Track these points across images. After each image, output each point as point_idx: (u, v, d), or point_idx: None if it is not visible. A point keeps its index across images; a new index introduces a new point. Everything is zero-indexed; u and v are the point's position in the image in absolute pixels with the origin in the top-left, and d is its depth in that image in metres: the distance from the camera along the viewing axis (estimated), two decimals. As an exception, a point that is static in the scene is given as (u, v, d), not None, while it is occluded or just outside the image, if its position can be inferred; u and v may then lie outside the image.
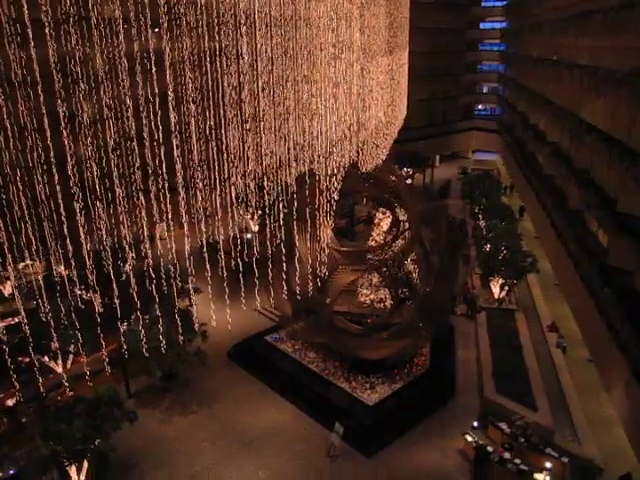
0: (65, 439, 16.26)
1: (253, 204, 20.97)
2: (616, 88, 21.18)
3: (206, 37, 18.84)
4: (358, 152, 25.39)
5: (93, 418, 16.95)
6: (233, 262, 18.63)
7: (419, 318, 21.96)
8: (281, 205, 18.50)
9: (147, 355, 17.60)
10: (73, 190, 16.62)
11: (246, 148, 21.36)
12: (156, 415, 21.90)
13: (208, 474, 18.89)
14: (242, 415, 21.88)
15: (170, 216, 18.63)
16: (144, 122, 17.90)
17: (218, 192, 19.75)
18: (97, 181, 17.81)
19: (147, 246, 18.37)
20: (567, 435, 19.91)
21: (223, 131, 20.92)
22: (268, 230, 17.87)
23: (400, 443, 20.20)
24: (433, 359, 24.13)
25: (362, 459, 19.49)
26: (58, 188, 16.16)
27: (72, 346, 21.37)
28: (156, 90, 17.62)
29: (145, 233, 18.47)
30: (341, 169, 19.44)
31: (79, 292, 21.53)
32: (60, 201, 16.16)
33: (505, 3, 60.71)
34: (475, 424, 20.20)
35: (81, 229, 16.07)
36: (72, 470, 17.17)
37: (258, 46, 19.55)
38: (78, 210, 16.25)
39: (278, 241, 18.49)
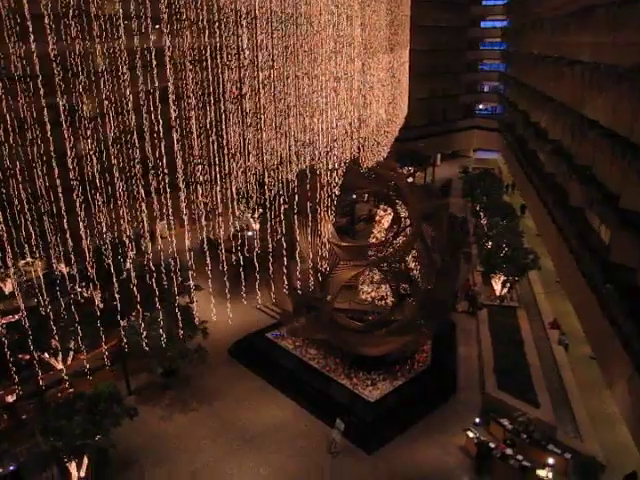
0: (65, 435, 16.18)
1: (254, 200, 20.91)
2: (617, 84, 21.10)
3: (207, 32, 18.80)
4: (359, 149, 25.33)
5: (93, 414, 16.87)
6: (234, 257, 18.57)
7: (420, 315, 21.87)
8: (282, 200, 18.41)
9: (147, 349, 17.51)
10: (73, 185, 16.60)
11: (247, 144, 21.33)
12: (156, 412, 21.82)
13: (209, 471, 18.81)
14: (243, 412, 21.79)
15: (171, 213, 18.62)
16: (144, 117, 17.88)
17: (219, 188, 19.72)
18: (97, 176, 17.80)
19: (147, 242, 18.36)
20: (569, 432, 19.82)
21: (224, 127, 20.89)
22: (269, 225, 17.82)
23: (401, 439, 20.10)
24: (434, 356, 24.04)
25: (363, 455, 19.41)
26: (58, 182, 16.15)
27: (72, 343, 21.31)
28: (156, 85, 17.61)
29: (146, 229, 18.41)
30: (342, 164, 19.37)
31: (79, 289, 21.47)
32: (60, 196, 16.14)
33: (506, 2, 60.62)
34: (477, 420, 20.11)
35: (81, 224, 16.04)
36: (72, 466, 17.10)
37: (259, 41, 19.52)
38: (78, 204, 16.22)
39: (279, 236, 18.41)
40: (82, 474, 17.41)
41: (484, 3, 65.43)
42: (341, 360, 23.22)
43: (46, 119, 15.71)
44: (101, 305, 18.74)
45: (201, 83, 20.81)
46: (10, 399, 20.41)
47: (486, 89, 69.66)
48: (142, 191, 17.67)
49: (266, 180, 20.35)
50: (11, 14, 15.20)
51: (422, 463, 19.27)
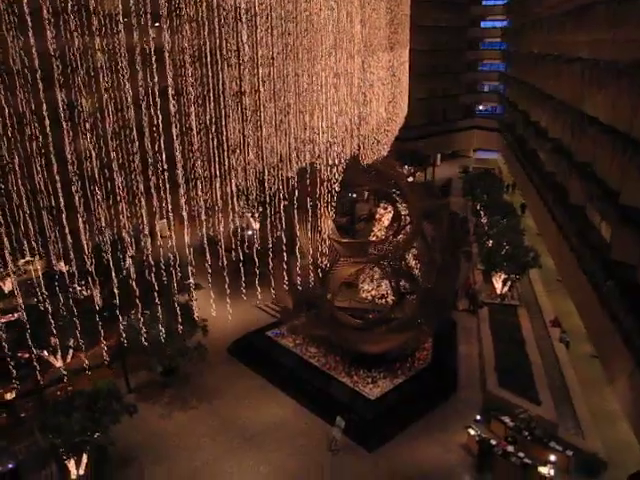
0: (64, 432, 16.13)
1: (254, 197, 20.85)
2: (617, 80, 21.06)
3: (206, 27, 18.77)
4: (359, 146, 25.29)
5: (92, 411, 16.81)
6: (233, 253, 18.51)
7: (421, 312, 21.80)
8: (282, 196, 18.36)
9: (147, 345, 17.42)
10: (73, 181, 16.54)
11: (247, 141, 21.27)
12: (156, 410, 21.75)
13: (208, 469, 18.72)
14: (243, 410, 21.71)
15: (170, 210, 18.55)
16: (144, 113, 17.82)
17: (219, 184, 19.67)
18: (97, 172, 17.75)
19: (147, 240, 18.29)
20: (570, 429, 19.74)
21: (224, 123, 20.83)
22: (269, 222, 17.76)
23: (402, 437, 20.01)
24: (435, 354, 23.97)
25: (364, 453, 19.32)
26: (57, 178, 16.09)
27: (72, 341, 21.25)
28: (156, 80, 17.56)
29: (145, 225, 18.34)
30: (342, 161, 19.32)
31: (79, 288, 21.40)
32: (59, 192, 16.08)
33: (505, 2, 60.66)
34: (478, 418, 20.01)
35: (80, 219, 15.98)
36: (71, 464, 17.03)
37: (258, 37, 19.49)
38: (77, 200, 16.16)
39: (279, 232, 18.35)
40: (81, 472, 17.33)
41: (484, 3, 65.50)
42: (341, 358, 23.14)
43: (45, 114, 15.65)
44: (100, 303, 18.62)
45: (200, 79, 20.76)
46: (9, 397, 20.34)
47: (486, 89, 69.67)
48: (142, 187, 17.60)
49: (266, 177, 20.30)
50: (9, 8, 15.16)
51: (423, 461, 19.18)
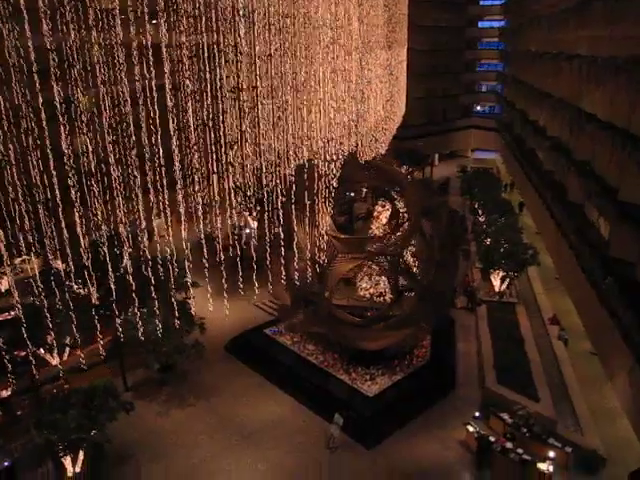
0: (59, 429, 16.00)
1: (251, 193, 20.75)
2: (615, 76, 21.05)
3: (203, 22, 18.70)
4: (357, 144, 25.24)
5: (88, 409, 16.68)
6: (231, 249, 18.42)
7: (419, 309, 21.72)
8: (280, 191, 18.28)
9: (144, 342, 17.31)
10: (69, 176, 16.42)
11: (244, 138, 21.20)
12: (153, 407, 21.62)
13: (206, 467, 18.60)
14: (240, 408, 21.60)
15: (168, 206, 18.46)
16: (141, 108, 17.72)
17: (216, 181, 19.61)
18: (93, 166, 17.64)
19: (144, 236, 18.19)
20: (569, 426, 19.70)
21: (221, 119, 20.75)
22: (266, 217, 17.67)
23: (400, 434, 19.93)
24: (433, 351, 23.91)
25: (362, 450, 19.23)
26: (54, 173, 15.99)
27: (68, 338, 21.13)
28: (153, 76, 17.48)
29: (142, 221, 18.23)
30: (340, 156, 19.25)
31: (76, 286, 21.30)
32: (55, 186, 15.97)
33: (503, 1, 60.74)
34: (476, 414, 19.94)
35: (77, 215, 15.87)
36: (67, 461, 16.89)
37: (256, 33, 19.43)
38: (73, 194, 16.05)
39: (276, 229, 18.28)
40: (77, 469, 17.21)
41: (481, 3, 65.58)
42: (339, 355, 23.06)
43: (41, 108, 15.54)
44: (97, 300, 18.51)
45: (198, 75, 20.68)
46: (5, 394, 20.19)
47: (484, 89, 69.74)
48: (138, 182, 17.50)
49: (263, 174, 20.24)
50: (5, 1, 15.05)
51: (421, 458, 19.10)
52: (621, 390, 19.02)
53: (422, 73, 57.64)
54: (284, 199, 18.85)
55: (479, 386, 22.46)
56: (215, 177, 20.00)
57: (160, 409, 21.57)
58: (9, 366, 16.83)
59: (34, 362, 17.89)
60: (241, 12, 17.88)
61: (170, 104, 16.86)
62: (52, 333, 19.26)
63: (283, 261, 17.49)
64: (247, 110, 20.49)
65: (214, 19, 19.46)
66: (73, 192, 16.32)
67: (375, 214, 27.42)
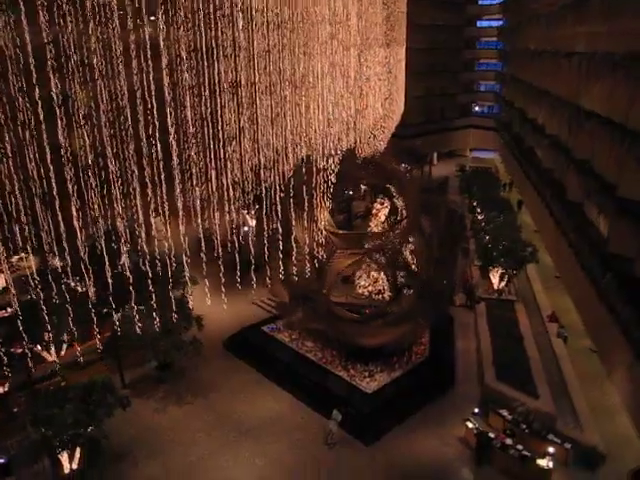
0: (56, 424, 15.88)
1: (250, 189, 20.67)
2: (613, 71, 21.02)
3: (201, 17, 18.61)
4: (355, 140, 25.17)
5: (86, 404, 16.57)
6: (229, 244, 18.33)
7: (418, 306, 21.64)
8: (278, 186, 18.19)
9: (141, 338, 17.19)
10: (66, 170, 16.33)
11: (243, 134, 21.10)
12: (150, 404, 21.51)
13: (204, 463, 18.48)
14: (238, 405, 21.50)
15: (166, 201, 18.35)
16: (139, 102, 17.63)
17: (214, 176, 19.51)
18: (91, 165, 17.55)
19: (142, 231, 18.09)
20: (569, 422, 19.60)
21: (219, 115, 20.65)
22: (264, 213, 17.58)
23: (399, 431, 19.84)
24: (432, 348, 23.84)
25: (360, 447, 19.14)
26: (51, 167, 15.90)
27: (65, 335, 21.00)
28: (151, 72, 17.40)
29: (140, 216, 18.13)
30: (338, 152, 19.18)
31: (73, 283, 21.17)
32: (52, 180, 15.88)
33: (502, 1, 60.78)
34: (476, 410, 19.85)
35: (74, 208, 15.78)
36: (64, 457, 16.76)
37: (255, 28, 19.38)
38: (70, 187, 15.96)
39: (275, 224, 18.19)
40: (74, 466, 17.08)
41: (480, 2, 65.62)
42: (338, 352, 22.97)
43: (38, 102, 15.45)
44: (94, 295, 18.38)
45: (196, 70, 20.59)
46: (1, 390, 20.07)
47: (483, 88, 69.76)
48: (136, 177, 17.41)
49: (262, 170, 20.16)
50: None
51: (420, 454, 19.01)
52: (621, 386, 18.95)
53: (420, 72, 57.61)
54: (282, 195, 18.76)
55: (478, 383, 22.37)
56: (213, 173, 19.88)
57: (157, 406, 21.46)
58: (5, 362, 16.76)
59: (30, 356, 17.83)
60: (239, 6, 17.79)
61: (168, 97, 16.77)
62: (49, 329, 19.16)
63: (281, 255, 17.38)
64: (245, 105, 20.41)
65: (212, 14, 19.40)
66: (70, 186, 16.26)
67: (374, 211, 27.30)
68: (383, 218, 27.77)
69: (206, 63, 20.24)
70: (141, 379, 22.96)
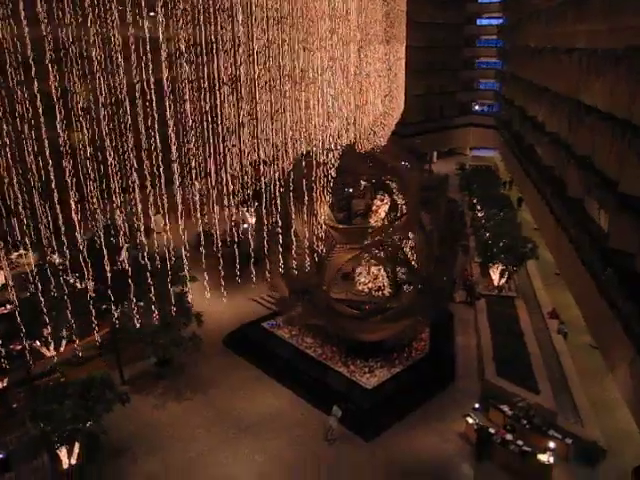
0: (55, 420, 15.81)
1: (249, 184, 20.60)
2: (615, 66, 20.96)
3: (200, 11, 18.55)
4: (355, 136, 25.11)
5: (85, 399, 16.50)
6: (228, 238, 18.26)
7: (418, 301, 21.58)
8: (277, 181, 18.12)
9: (140, 332, 17.11)
10: (64, 164, 16.26)
11: (242, 129, 21.02)
12: (150, 401, 21.43)
13: (203, 460, 18.41)
14: (238, 401, 21.41)
15: (165, 198, 18.27)
16: (137, 95, 17.56)
17: (213, 171, 19.44)
18: (89, 161, 17.49)
19: (141, 223, 18.04)
20: (570, 418, 19.56)
21: (219, 112, 20.58)
22: (264, 207, 17.51)
23: (399, 427, 19.76)
24: (432, 344, 23.79)
25: (360, 443, 19.06)
26: (50, 162, 15.82)
27: (64, 331, 20.93)
28: (150, 72, 17.33)
29: (138, 208, 18.05)
30: (338, 146, 19.11)
31: (72, 279, 21.11)
32: (51, 173, 15.81)
33: (501, -1, 60.84)
34: (476, 406, 19.80)
35: (72, 202, 15.71)
36: (62, 453, 16.69)
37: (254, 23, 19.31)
38: (70, 183, 15.89)
39: (274, 218, 18.12)
40: (73, 461, 17.01)
41: (480, 0, 65.55)
42: (338, 348, 22.91)
43: (37, 96, 15.38)
44: (93, 289, 18.31)
45: (195, 65, 20.52)
46: (0, 386, 20.00)
47: (482, 87, 69.70)
48: (135, 170, 17.34)
49: (261, 166, 20.10)
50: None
51: (420, 450, 18.94)
52: (622, 381, 18.88)
53: (420, 70, 57.58)
54: (282, 188, 18.69)
55: (478, 379, 22.32)
56: (213, 167, 19.82)
57: (157, 402, 21.39)
58: (5, 358, 16.67)
59: (29, 353, 17.73)
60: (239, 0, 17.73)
61: (167, 91, 16.70)
62: (48, 325, 19.10)
63: (281, 249, 17.31)
64: (245, 100, 20.33)
65: (212, 9, 19.33)
66: (69, 179, 16.18)
67: (374, 208, 27.27)
68: (383, 215, 27.74)
69: (205, 58, 20.19)
70: (140, 375, 22.87)
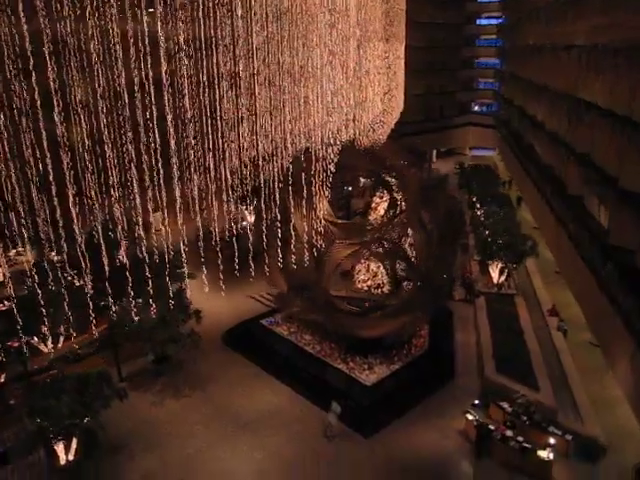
0: (52, 415, 15.72)
1: (248, 180, 20.51)
2: (614, 59, 20.92)
3: (199, 6, 18.47)
4: (355, 133, 25.05)
5: (82, 395, 16.40)
6: (227, 233, 18.18)
7: (417, 297, 21.50)
8: (276, 176, 18.04)
9: (138, 326, 17.01)
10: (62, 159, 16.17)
11: (241, 127, 20.95)
12: (147, 398, 21.32)
13: (201, 456, 18.31)
14: (236, 398, 21.32)
15: (165, 202, 18.18)
16: (136, 89, 17.48)
17: (212, 165, 19.37)
18: (88, 158, 17.41)
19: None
20: (570, 415, 19.47)
21: (218, 109, 20.51)
22: (263, 201, 17.43)
23: (398, 424, 19.65)
24: (432, 341, 23.70)
25: (360, 439, 18.96)
26: (48, 155, 15.73)
27: (62, 327, 20.84)
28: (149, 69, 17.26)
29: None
30: (338, 141, 19.04)
31: (70, 277, 21.01)
32: (49, 166, 15.72)
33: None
34: (476, 402, 19.71)
35: (71, 196, 15.62)
36: (59, 448, 16.59)
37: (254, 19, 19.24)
38: (68, 178, 15.80)
39: (273, 213, 18.03)
40: (70, 457, 16.91)
41: (479, 0, 65.58)
42: (337, 345, 22.82)
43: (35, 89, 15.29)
44: (91, 284, 18.21)
45: (194, 61, 20.45)
46: (-3, 381, 19.92)
47: (482, 86, 69.72)
48: (134, 168, 17.26)
49: (260, 161, 20.02)
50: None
51: (420, 447, 18.84)
52: (622, 377, 18.79)
53: (420, 70, 57.55)
54: (281, 184, 18.61)
55: (478, 376, 22.23)
56: (212, 162, 19.74)
57: (155, 399, 21.28)
58: (2, 354, 16.58)
59: (27, 349, 17.65)
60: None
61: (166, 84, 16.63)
62: (46, 320, 18.98)
63: (280, 243, 17.22)
64: (244, 95, 20.26)
65: (211, 3, 19.25)
66: (67, 173, 16.09)
67: (373, 205, 27.18)
68: (382, 212, 27.66)
69: (204, 53, 20.11)
70: (138, 372, 22.77)
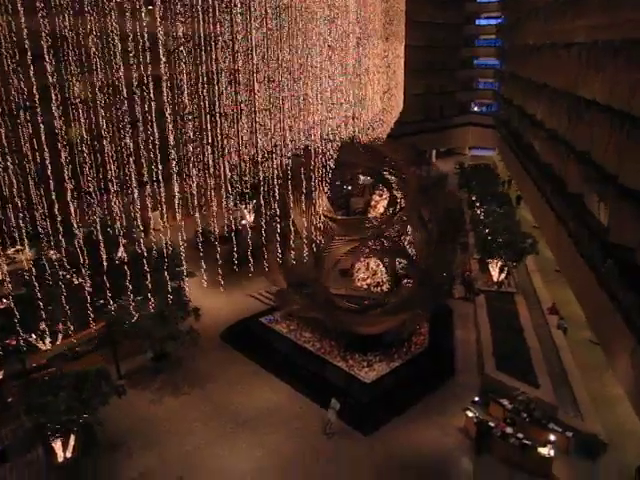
0: (50, 412, 15.62)
1: (248, 178, 20.49)
2: (614, 57, 20.90)
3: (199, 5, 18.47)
4: (354, 131, 25.01)
5: (79, 391, 16.32)
6: (226, 231, 18.14)
7: (417, 294, 21.44)
8: (275, 173, 18.00)
9: (137, 324, 16.94)
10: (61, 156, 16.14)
11: (240, 126, 20.93)
12: (146, 395, 21.22)
13: (200, 453, 18.23)
14: (235, 395, 21.23)
15: (164, 201, 18.15)
16: (137, 95, 17.47)
17: (212, 163, 19.34)
18: (87, 156, 17.39)
19: (140, 228, 17.93)
20: (570, 412, 19.41)
21: (218, 107, 20.49)
22: (262, 198, 17.39)
23: (398, 421, 19.57)
24: (432, 339, 23.63)
25: (359, 437, 18.87)
26: (48, 153, 15.71)
27: (60, 324, 20.75)
28: (149, 67, 17.24)
29: (138, 215, 17.93)
30: (337, 138, 19.01)
31: (68, 275, 20.95)
32: (48, 163, 15.70)
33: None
34: (476, 399, 19.63)
35: (69, 191, 15.58)
36: (57, 445, 16.50)
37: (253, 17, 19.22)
38: (67, 176, 15.77)
39: (272, 210, 17.98)
40: (68, 454, 16.82)
41: (479, 0, 65.62)
42: (336, 342, 22.74)
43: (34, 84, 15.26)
44: (89, 282, 18.15)
45: (194, 60, 20.43)
46: (-6, 379, 19.83)
47: (481, 86, 69.75)
48: (134, 167, 17.23)
49: (260, 159, 19.98)
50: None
51: (420, 444, 18.76)
52: (622, 373, 18.73)
53: (419, 69, 57.58)
54: (281, 181, 18.57)
55: (478, 373, 22.16)
56: (211, 160, 19.71)
57: (153, 397, 21.18)
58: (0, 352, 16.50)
59: (25, 347, 17.58)
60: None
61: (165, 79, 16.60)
62: (44, 317, 18.92)
63: (279, 238, 17.17)
64: (243, 93, 20.24)
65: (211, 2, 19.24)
66: (66, 170, 16.07)
67: (372, 203, 27.16)
68: (382, 210, 27.63)
69: (204, 51, 20.10)
70: (137, 370, 22.67)
